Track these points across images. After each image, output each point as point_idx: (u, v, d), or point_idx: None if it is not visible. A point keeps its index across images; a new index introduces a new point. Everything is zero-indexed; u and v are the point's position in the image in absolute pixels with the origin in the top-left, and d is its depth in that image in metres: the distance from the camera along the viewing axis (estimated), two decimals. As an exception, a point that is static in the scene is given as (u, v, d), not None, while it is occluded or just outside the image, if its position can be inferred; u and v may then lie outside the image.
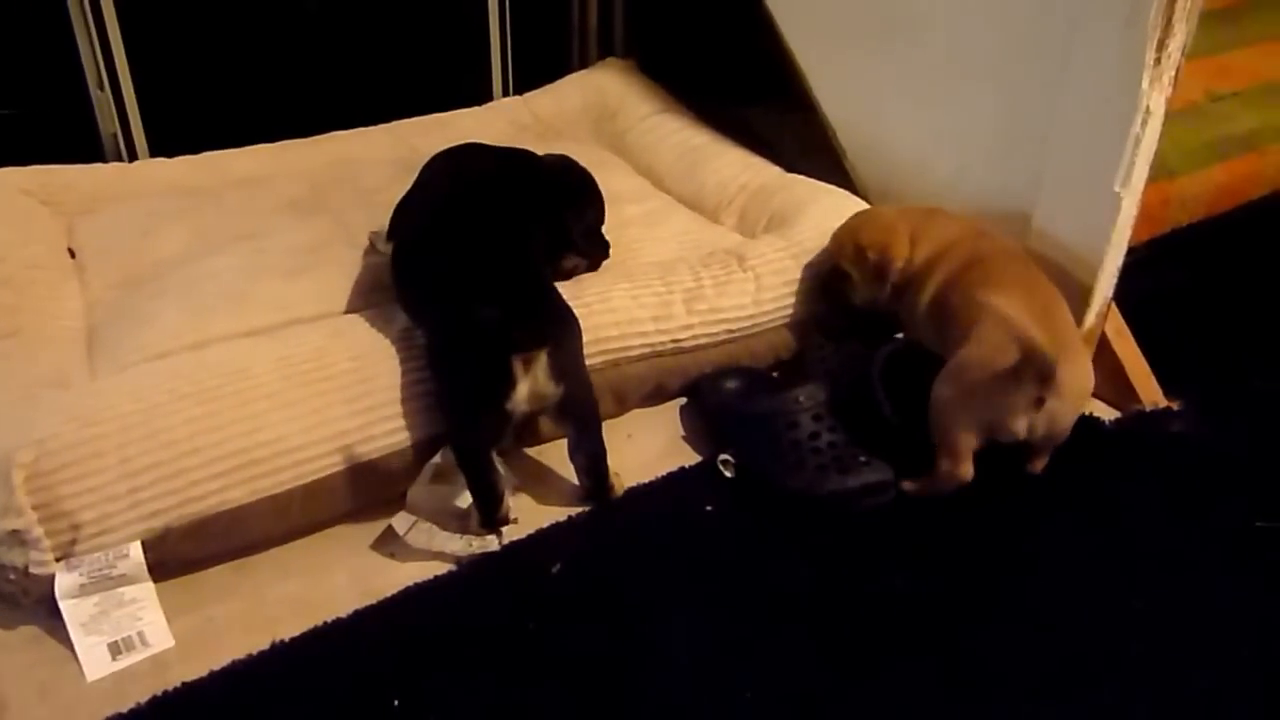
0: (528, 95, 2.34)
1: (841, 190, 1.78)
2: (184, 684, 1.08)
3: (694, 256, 1.62)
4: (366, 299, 1.51)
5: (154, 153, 2.01)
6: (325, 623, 1.16)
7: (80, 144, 1.97)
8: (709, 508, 1.34)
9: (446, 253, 1.35)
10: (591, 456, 1.33)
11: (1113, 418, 1.51)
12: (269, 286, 1.50)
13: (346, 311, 1.49)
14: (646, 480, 1.39)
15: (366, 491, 1.32)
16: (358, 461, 1.29)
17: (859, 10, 1.75)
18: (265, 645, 1.13)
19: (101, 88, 1.96)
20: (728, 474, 1.39)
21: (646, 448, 1.47)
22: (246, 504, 1.23)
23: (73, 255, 1.66)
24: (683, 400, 1.57)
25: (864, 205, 1.73)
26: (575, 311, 1.33)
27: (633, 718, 1.06)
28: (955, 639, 1.15)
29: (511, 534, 1.29)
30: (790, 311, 1.59)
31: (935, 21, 1.63)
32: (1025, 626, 1.17)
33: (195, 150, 1.97)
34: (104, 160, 1.99)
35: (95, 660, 1.12)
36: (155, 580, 1.19)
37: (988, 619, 1.18)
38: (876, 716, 1.07)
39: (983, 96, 1.58)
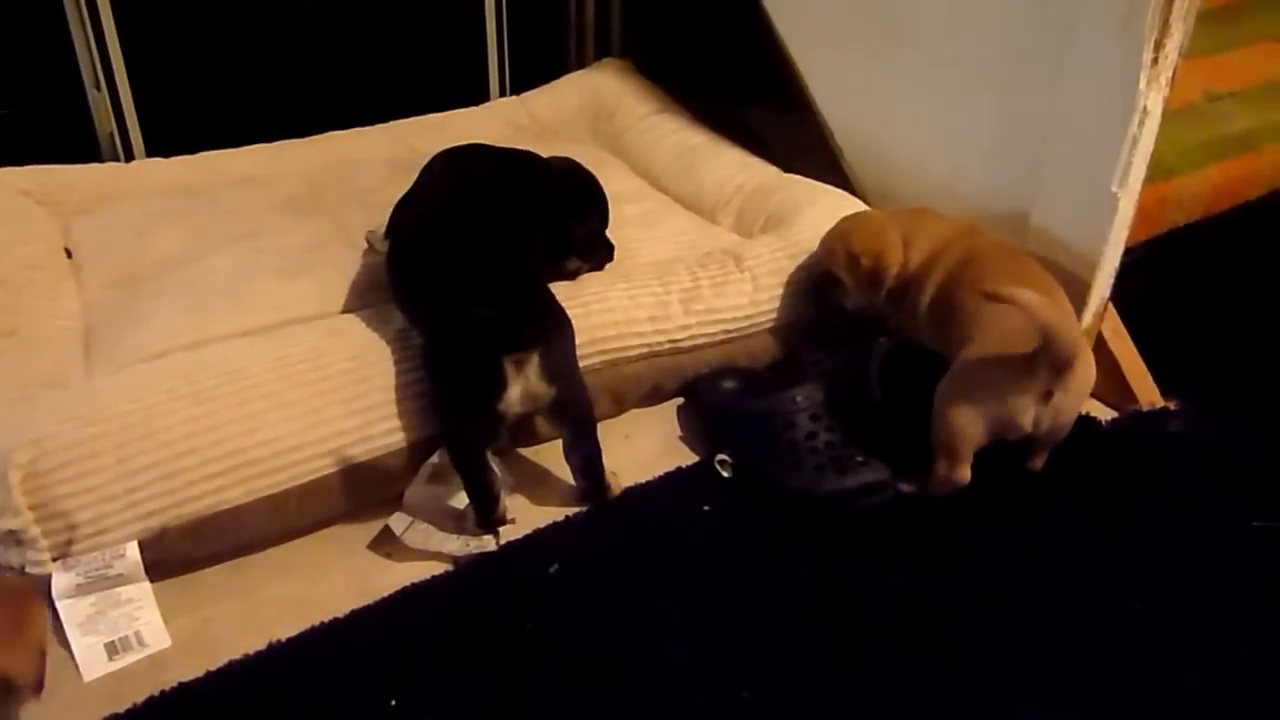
0: (525, 95, 2.34)
1: (838, 190, 1.78)
2: (181, 684, 1.08)
3: (691, 257, 1.62)
4: (364, 299, 1.51)
5: (151, 153, 2.01)
6: (322, 623, 1.16)
7: (77, 144, 1.96)
8: (706, 508, 1.34)
9: (441, 252, 1.35)
10: (586, 457, 1.33)
11: (1110, 418, 1.51)
12: (266, 286, 1.50)
13: (344, 311, 1.49)
14: (644, 480, 1.39)
15: (363, 492, 1.31)
16: (355, 462, 1.29)
17: (856, 10, 1.75)
18: (262, 645, 1.13)
19: (98, 87, 1.95)
20: (725, 474, 1.39)
21: (644, 448, 1.47)
22: (244, 504, 1.23)
23: (69, 255, 1.65)
24: (680, 400, 1.57)
25: (861, 205, 1.73)
26: (572, 312, 1.33)
27: (630, 717, 1.06)
28: (953, 638, 1.15)
29: (509, 534, 1.29)
30: (788, 312, 1.59)
31: (933, 21, 1.63)
32: (1022, 626, 1.17)
33: (192, 150, 1.97)
34: (101, 160, 1.99)
35: (92, 660, 1.12)
36: (152, 580, 1.19)
37: (985, 619, 1.18)
38: (874, 716, 1.07)
39: (980, 96, 1.58)
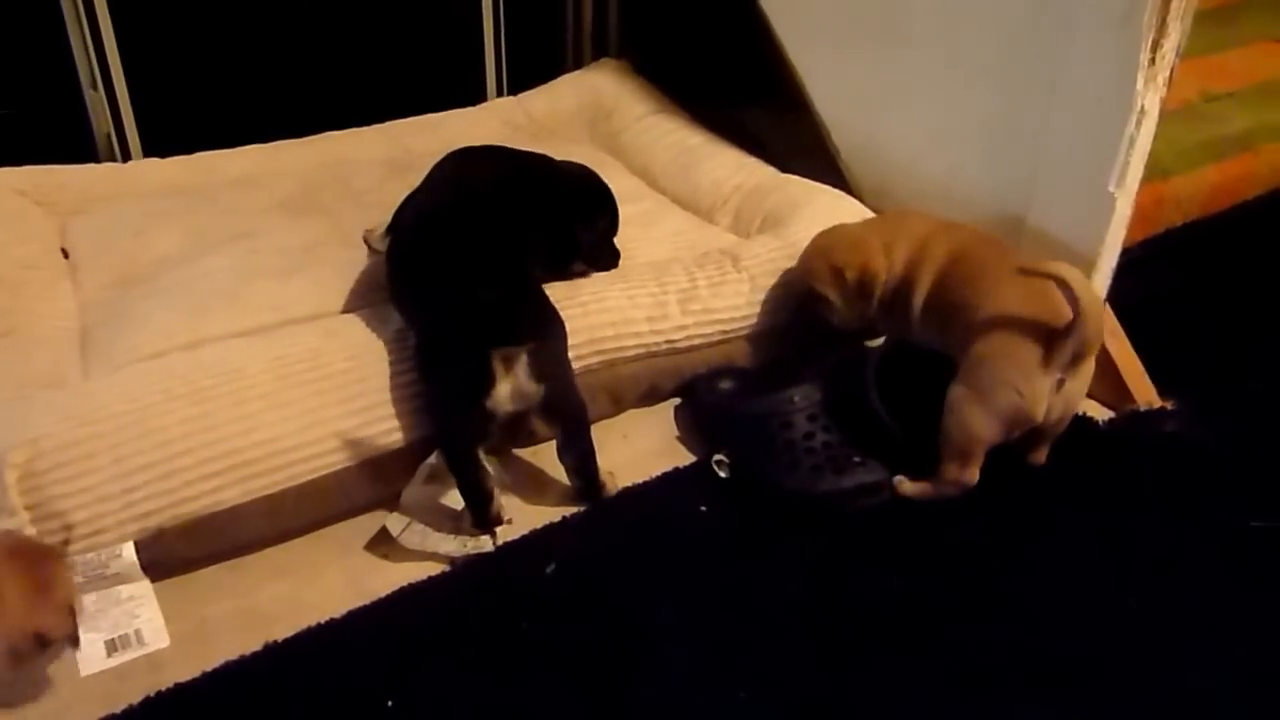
0: (522, 95, 2.34)
1: (836, 190, 1.78)
2: (177, 684, 1.08)
3: (689, 257, 1.62)
4: (361, 299, 1.51)
5: (147, 153, 2.01)
6: (319, 623, 1.16)
7: (74, 144, 1.96)
8: (703, 508, 1.34)
9: (437, 251, 1.35)
10: (579, 457, 1.33)
11: (1107, 418, 1.51)
12: (263, 286, 1.50)
13: (341, 311, 1.49)
14: (641, 480, 1.39)
15: (360, 492, 1.31)
16: (352, 462, 1.29)
17: (854, 11, 1.75)
18: (259, 645, 1.13)
19: (95, 87, 1.95)
20: (722, 474, 1.39)
21: (641, 448, 1.46)
22: (240, 504, 1.23)
23: (66, 255, 1.65)
24: (677, 400, 1.56)
25: (859, 205, 1.73)
26: (570, 312, 1.33)
27: (627, 718, 1.06)
28: (950, 638, 1.15)
29: (505, 534, 1.29)
30: (785, 312, 1.59)
31: (930, 21, 1.63)
32: (1020, 626, 1.17)
33: (189, 150, 1.96)
34: (97, 160, 1.98)
35: (91, 656, 1.12)
36: (149, 580, 1.19)
37: (982, 619, 1.18)
38: (872, 716, 1.07)
39: (977, 96, 1.58)
